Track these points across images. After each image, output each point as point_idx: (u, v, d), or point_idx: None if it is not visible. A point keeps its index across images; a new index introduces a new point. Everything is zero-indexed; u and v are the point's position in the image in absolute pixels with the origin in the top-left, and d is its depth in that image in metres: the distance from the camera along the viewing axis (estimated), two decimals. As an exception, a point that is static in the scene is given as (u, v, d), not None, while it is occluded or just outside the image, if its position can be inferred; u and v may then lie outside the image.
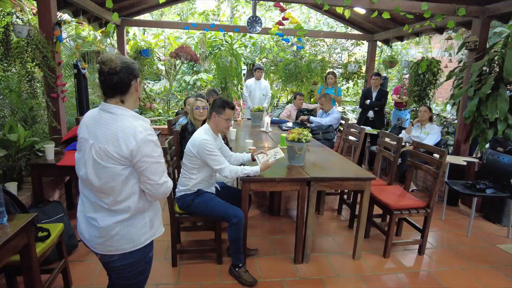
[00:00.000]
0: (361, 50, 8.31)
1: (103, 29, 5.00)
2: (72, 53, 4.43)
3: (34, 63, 2.99)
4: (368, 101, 5.68)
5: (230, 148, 3.11)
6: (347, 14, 3.81)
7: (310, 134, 2.86)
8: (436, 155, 3.21)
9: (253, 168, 2.51)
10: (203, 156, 2.45)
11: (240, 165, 2.76)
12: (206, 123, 2.65)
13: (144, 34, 6.45)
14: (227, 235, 2.52)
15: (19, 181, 2.83)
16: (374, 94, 5.71)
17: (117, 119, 1.33)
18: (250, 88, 6.33)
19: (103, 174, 1.32)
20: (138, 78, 1.39)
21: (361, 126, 4.47)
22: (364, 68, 6.90)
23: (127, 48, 6.12)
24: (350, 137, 4.25)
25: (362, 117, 5.84)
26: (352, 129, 4.37)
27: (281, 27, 4.25)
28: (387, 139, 3.76)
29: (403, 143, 4.38)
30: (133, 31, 6.67)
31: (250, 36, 7.01)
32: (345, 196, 4.02)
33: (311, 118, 5.09)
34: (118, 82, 1.33)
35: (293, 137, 2.79)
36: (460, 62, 5.08)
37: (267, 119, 4.55)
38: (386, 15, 3.91)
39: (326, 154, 3.50)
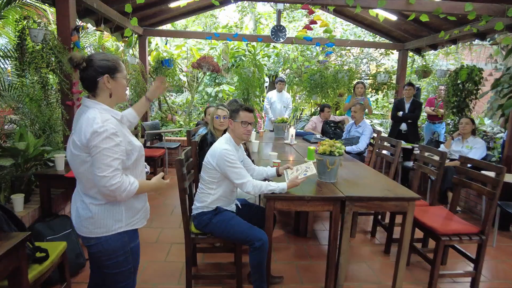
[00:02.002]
0: (390, 61, 7.92)
1: (125, 38, 4.91)
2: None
3: (49, 69, 2.84)
4: (400, 113, 5.28)
5: (252, 161, 2.82)
6: (381, 17, 3.50)
7: (343, 147, 2.53)
8: (487, 172, 2.79)
9: (279, 185, 2.20)
10: (223, 169, 2.17)
11: (264, 180, 2.46)
12: (226, 132, 2.38)
13: (166, 45, 6.38)
14: (249, 259, 2.21)
15: (28, 193, 2.64)
16: (407, 106, 5.30)
17: (87, 111, 1.44)
18: (271, 100, 6.32)
19: (74, 161, 1.45)
20: (106, 75, 1.46)
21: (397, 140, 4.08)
22: (394, 79, 6.50)
23: (149, 58, 6.04)
24: (383, 151, 3.87)
25: (394, 130, 5.43)
26: (386, 143, 4.00)
27: (308, 31, 3.98)
28: (426, 154, 3.36)
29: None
30: (155, 42, 6.62)
31: (274, 46, 6.81)
32: (379, 217, 3.62)
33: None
34: (85, 79, 1.47)
35: (324, 150, 2.47)
36: (502, 70, 4.62)
37: (292, 131, 4.25)
38: (424, 18, 3.57)
39: (360, 169, 3.14)
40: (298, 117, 9.07)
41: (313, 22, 3.59)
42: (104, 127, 1.37)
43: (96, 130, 1.36)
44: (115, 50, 6.23)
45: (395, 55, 8.18)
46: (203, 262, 2.86)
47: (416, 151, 5.12)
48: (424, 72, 5.72)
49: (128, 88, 5.60)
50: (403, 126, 5.33)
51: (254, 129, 6.09)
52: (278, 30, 5.78)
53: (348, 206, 2.30)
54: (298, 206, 2.28)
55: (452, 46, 5.57)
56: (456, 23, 4.66)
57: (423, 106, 6.28)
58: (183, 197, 2.26)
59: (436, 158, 3.16)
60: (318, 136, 4.81)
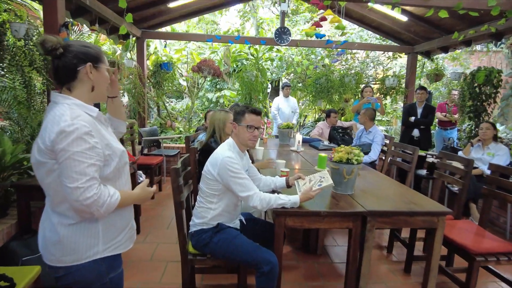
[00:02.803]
0: (397, 65, 7.66)
1: (121, 40, 4.66)
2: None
3: (32, 67, 2.56)
4: (412, 118, 4.99)
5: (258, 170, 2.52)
6: (397, 10, 3.23)
7: (362, 154, 2.23)
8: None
9: (290, 198, 1.89)
10: (226, 179, 1.87)
11: (272, 192, 2.16)
12: (230, 137, 2.08)
13: (165, 48, 6.13)
14: (255, 284, 1.89)
15: (4, 206, 2.34)
16: (419, 111, 5.02)
17: (55, 108, 1.16)
18: (279, 106, 6.21)
19: (39, 169, 1.17)
20: (89, 63, 1.20)
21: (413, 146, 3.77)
22: (403, 83, 6.22)
23: (148, 62, 5.78)
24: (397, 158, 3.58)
25: (405, 136, 5.13)
26: (400, 149, 3.71)
27: (318, 29, 3.71)
28: (448, 161, 3.06)
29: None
30: (154, 46, 6.37)
31: (277, 49, 6.56)
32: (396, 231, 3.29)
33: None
34: (61, 68, 1.19)
35: (340, 157, 2.17)
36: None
37: (298, 137, 3.95)
38: (443, 14, 3.29)
39: (376, 178, 2.84)
40: (301, 124, 8.80)
41: (323, 19, 3.31)
42: (74, 125, 1.10)
43: (63, 129, 1.08)
44: (112, 53, 5.97)
45: (402, 59, 7.93)
46: (202, 283, 2.54)
47: (430, 159, 4.82)
48: (436, 76, 5.45)
49: (124, 92, 5.33)
50: (415, 132, 5.03)
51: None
52: (282, 32, 5.53)
53: (370, 223, 1.99)
54: (313, 223, 1.97)
55: (463, 49, 5.29)
56: (471, 23, 4.39)
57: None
58: (179, 212, 1.95)
59: (461, 166, 2.86)
60: (326, 142, 4.52)
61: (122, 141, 4.10)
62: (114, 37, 5.14)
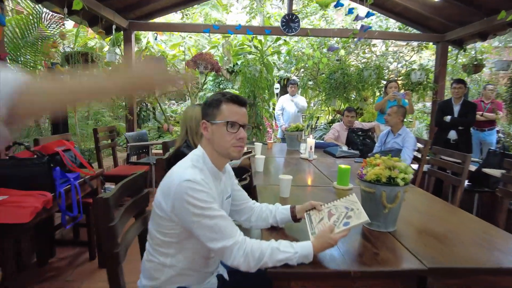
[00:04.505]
0: (422, 59, 6.78)
1: (100, 30, 3.97)
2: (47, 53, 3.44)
3: None
4: (448, 117, 4.12)
5: (251, 192, 1.75)
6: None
7: (410, 169, 1.43)
8: None
9: (298, 247, 1.11)
10: (186, 219, 1.10)
11: (271, 229, 1.38)
12: (199, 146, 1.30)
13: (156, 40, 5.46)
14: None
15: None
16: (456, 108, 4.15)
17: None
18: (284, 105, 5.51)
19: None
20: None
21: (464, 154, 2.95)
22: (431, 78, 5.37)
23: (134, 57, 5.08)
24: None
25: (439, 139, 4.26)
26: (443, 157, 2.89)
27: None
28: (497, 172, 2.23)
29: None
30: (146, 40, 5.69)
31: (284, 41, 5.80)
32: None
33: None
34: None
35: (377, 175, 1.38)
36: None
37: (310, 141, 3.16)
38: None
39: (421, 200, 2.02)
40: (313, 126, 7.99)
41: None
42: None
43: None
44: (99, 49, 5.31)
45: (426, 53, 7.05)
46: None
47: (474, 166, 3.94)
48: (475, 67, 4.58)
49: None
50: (452, 134, 4.16)
51: (260, 140, 5.08)
52: (290, 20, 4.77)
53: (433, 285, 1.18)
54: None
55: (509, 31, 4.42)
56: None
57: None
58: (113, 270, 1.18)
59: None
60: (344, 148, 3.70)
61: (98, 148, 3.39)
62: (95, 29, 4.47)
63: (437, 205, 1.92)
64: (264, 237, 1.34)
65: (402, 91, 4.43)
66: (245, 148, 4.10)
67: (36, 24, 3.65)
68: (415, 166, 3.64)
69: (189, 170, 1.13)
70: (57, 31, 4.29)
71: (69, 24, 4.94)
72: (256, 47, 5.38)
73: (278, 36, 5.55)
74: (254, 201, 1.49)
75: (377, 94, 5.24)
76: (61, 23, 4.60)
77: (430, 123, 5.40)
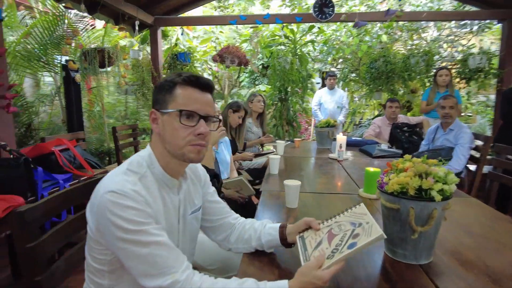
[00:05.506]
0: (483, 42, 5.87)
1: (122, 26, 3.87)
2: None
3: None
4: (517, 108, 3.41)
5: (246, 202, 1.41)
6: None
7: (454, 177, 1.00)
8: None
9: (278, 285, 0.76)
10: (111, 244, 0.80)
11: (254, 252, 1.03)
12: (148, 145, 0.99)
13: (182, 35, 5.31)
14: None
15: None
16: (526, 97, 3.42)
17: None
18: (321, 99, 5.21)
19: None
20: None
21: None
22: (494, 63, 4.56)
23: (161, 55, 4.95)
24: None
25: (504, 135, 3.54)
26: (510, 156, 2.30)
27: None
28: None
29: None
30: (176, 37, 5.56)
31: (319, 29, 5.32)
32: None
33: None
34: None
35: (402, 184, 0.96)
36: None
37: (340, 139, 2.72)
38: None
39: (474, 214, 1.53)
40: (357, 123, 7.39)
41: None
42: None
43: None
44: (128, 48, 5.28)
45: (489, 37, 6.10)
46: None
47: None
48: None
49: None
50: (522, 129, 3.44)
51: (287, 139, 4.67)
52: (323, 5, 4.32)
53: None
54: None
55: None
56: None
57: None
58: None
59: None
60: (384, 146, 3.19)
61: (117, 147, 3.27)
62: (128, 28, 4.39)
63: (500, 224, 1.42)
64: (241, 268, 0.99)
65: (447, 89, 3.75)
66: (271, 147, 3.76)
67: (60, 23, 3.65)
68: (472, 168, 3.04)
69: (119, 177, 0.83)
70: (86, 30, 4.33)
71: (99, 24, 4.94)
72: (287, 37, 4.98)
73: (312, 24, 5.09)
74: (237, 215, 1.15)
75: (427, 84, 4.57)
76: (91, 23, 4.65)
77: (494, 118, 4.60)
